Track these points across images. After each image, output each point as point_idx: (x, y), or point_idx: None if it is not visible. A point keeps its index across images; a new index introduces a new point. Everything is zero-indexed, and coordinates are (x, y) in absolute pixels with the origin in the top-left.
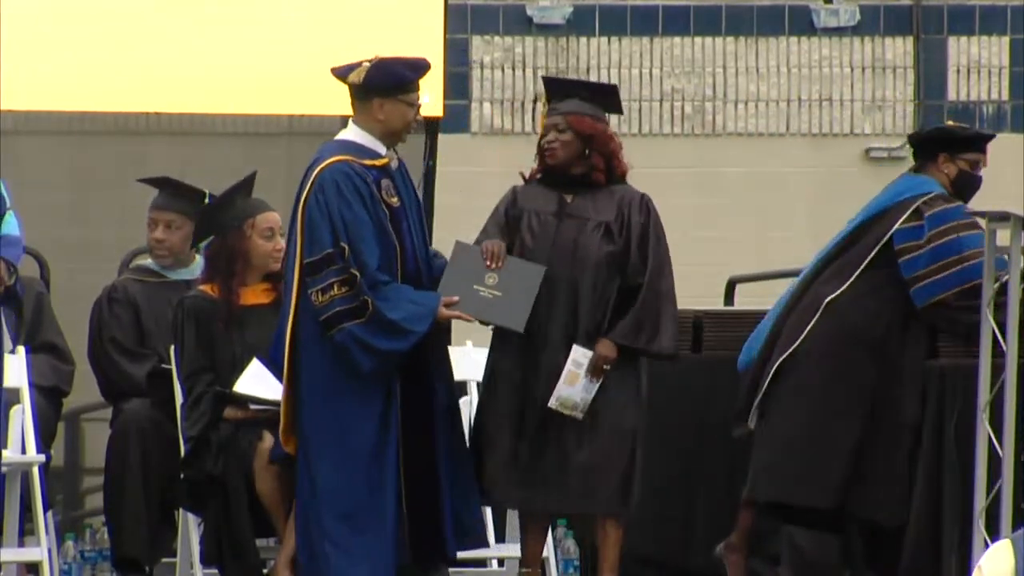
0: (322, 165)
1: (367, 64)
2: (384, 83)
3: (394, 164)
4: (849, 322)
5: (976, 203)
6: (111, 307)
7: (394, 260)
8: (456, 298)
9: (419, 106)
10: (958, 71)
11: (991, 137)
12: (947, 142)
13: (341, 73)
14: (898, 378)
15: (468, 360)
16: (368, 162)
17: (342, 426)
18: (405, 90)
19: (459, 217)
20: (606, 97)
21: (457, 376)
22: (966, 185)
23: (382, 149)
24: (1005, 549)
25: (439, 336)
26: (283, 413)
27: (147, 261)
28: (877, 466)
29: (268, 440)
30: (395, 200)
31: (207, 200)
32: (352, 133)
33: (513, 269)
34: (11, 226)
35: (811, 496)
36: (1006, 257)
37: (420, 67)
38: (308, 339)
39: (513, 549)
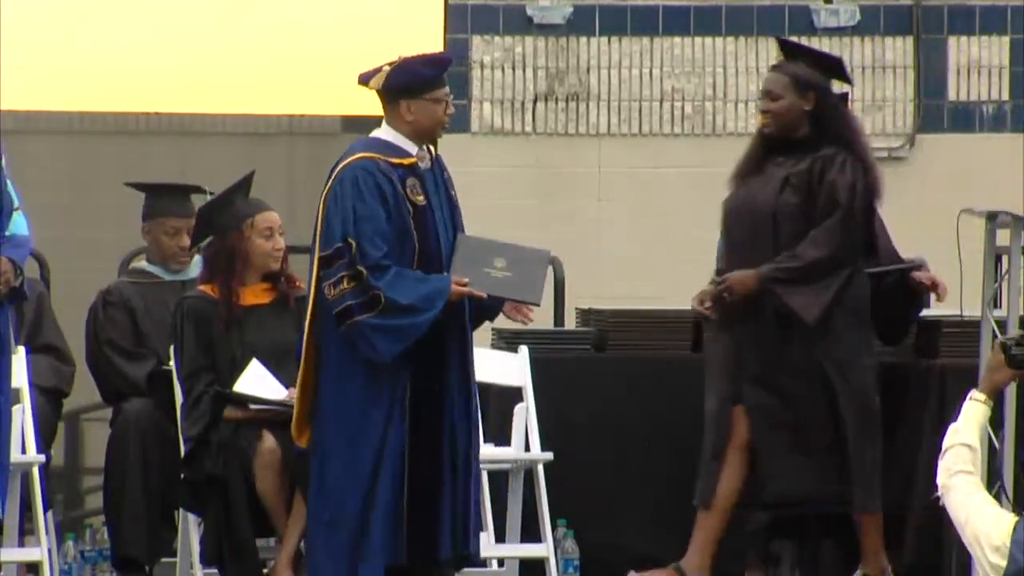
0: (345, 162)
1: (387, 68)
2: (406, 84)
3: (424, 164)
4: None
5: (976, 203)
6: (106, 310)
7: (411, 257)
8: (467, 279)
9: (447, 101)
10: (958, 71)
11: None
12: None
13: (364, 80)
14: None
15: (520, 365)
16: (395, 160)
17: (352, 423)
18: (429, 88)
19: None
20: None
21: (511, 382)
22: None
23: (412, 148)
24: (1011, 521)
25: (460, 335)
26: (297, 406)
27: (143, 263)
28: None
29: (268, 440)
30: (420, 198)
31: (207, 195)
32: (383, 132)
33: (519, 251)
34: (20, 226)
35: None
36: None
37: (439, 62)
38: (325, 334)
39: (513, 549)
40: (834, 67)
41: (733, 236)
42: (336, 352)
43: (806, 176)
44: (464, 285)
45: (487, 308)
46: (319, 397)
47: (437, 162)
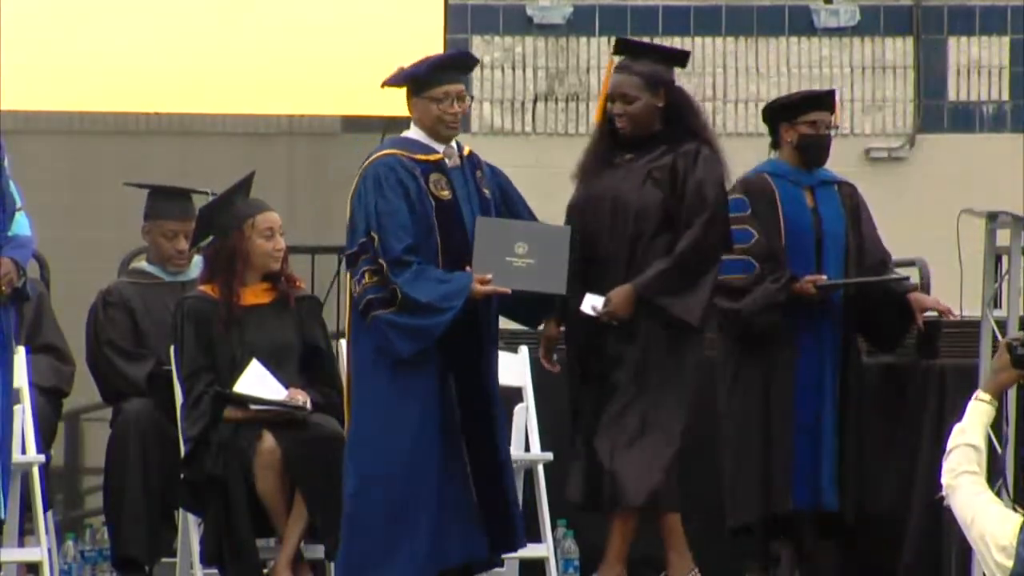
0: (369, 160)
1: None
2: (406, 83)
3: (452, 161)
4: None
5: (976, 203)
6: (106, 311)
7: (434, 251)
8: (489, 276)
9: (448, 101)
10: (958, 71)
11: (822, 94)
12: (780, 111)
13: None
14: None
15: (520, 365)
16: (419, 156)
17: (384, 418)
18: (426, 86)
19: None
20: None
21: (511, 382)
22: (811, 147)
23: (437, 145)
24: (1017, 521)
25: (490, 327)
26: (345, 407)
27: (143, 264)
28: None
29: (268, 440)
30: (446, 193)
31: (208, 195)
32: (410, 131)
33: (540, 233)
34: (22, 226)
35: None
36: None
37: (435, 61)
38: (355, 332)
39: None
40: (676, 57)
41: (588, 230)
42: (366, 345)
43: (668, 172)
44: (487, 282)
45: (533, 300)
46: (353, 390)
47: (469, 160)
